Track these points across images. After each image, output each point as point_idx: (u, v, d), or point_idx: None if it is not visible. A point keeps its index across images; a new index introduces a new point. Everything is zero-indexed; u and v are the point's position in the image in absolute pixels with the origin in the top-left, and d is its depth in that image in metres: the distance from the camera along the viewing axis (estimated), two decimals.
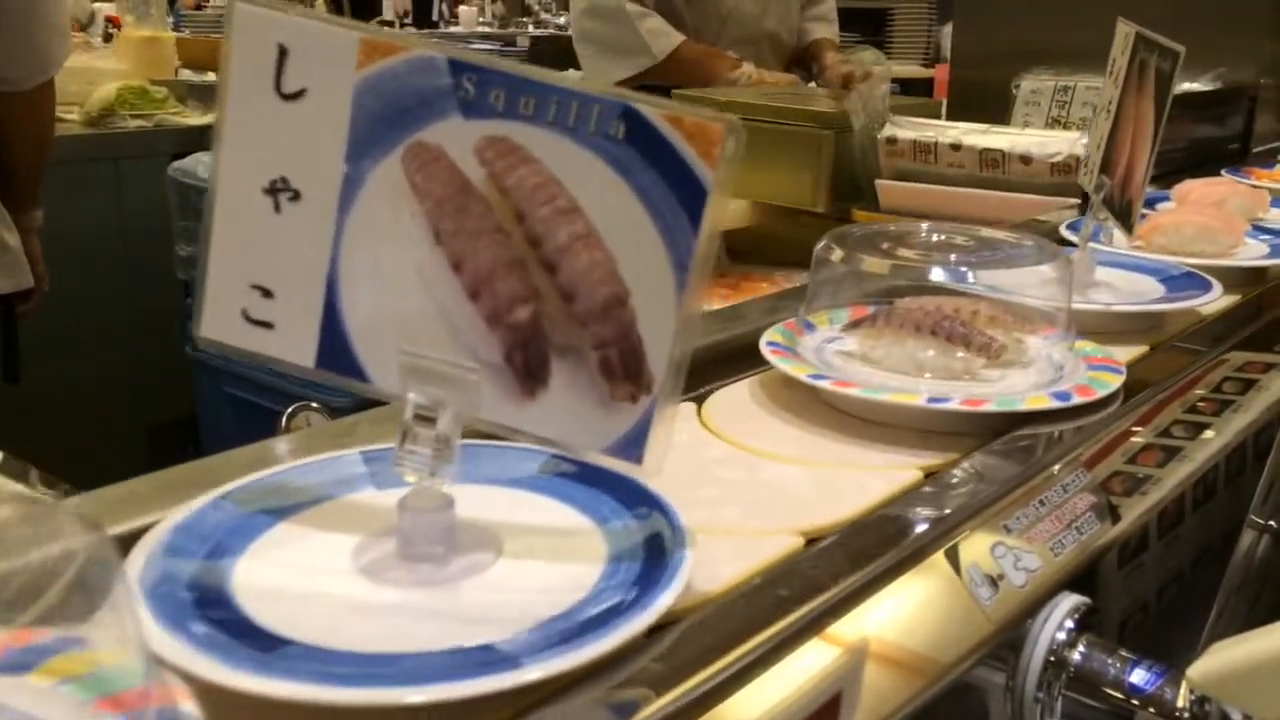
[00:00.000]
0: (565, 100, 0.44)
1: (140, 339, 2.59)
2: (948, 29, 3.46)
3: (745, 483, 0.62)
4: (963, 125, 1.57)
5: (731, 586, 0.49)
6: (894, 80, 2.27)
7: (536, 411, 0.47)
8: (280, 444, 0.61)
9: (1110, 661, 0.56)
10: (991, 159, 1.47)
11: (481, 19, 7.24)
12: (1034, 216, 1.31)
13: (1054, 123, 2.01)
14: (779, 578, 0.50)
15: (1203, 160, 1.66)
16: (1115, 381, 0.74)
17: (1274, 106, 2.09)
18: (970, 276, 0.77)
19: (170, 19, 3.75)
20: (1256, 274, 1.10)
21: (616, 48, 2.17)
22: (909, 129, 1.55)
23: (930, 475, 0.63)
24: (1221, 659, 0.46)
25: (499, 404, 0.47)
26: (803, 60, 2.40)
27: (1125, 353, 0.84)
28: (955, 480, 0.62)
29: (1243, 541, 0.79)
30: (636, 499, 0.52)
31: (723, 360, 0.81)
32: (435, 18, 7.36)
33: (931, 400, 0.69)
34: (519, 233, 0.46)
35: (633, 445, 0.47)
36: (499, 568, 0.48)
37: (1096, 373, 0.76)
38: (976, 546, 0.56)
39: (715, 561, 0.50)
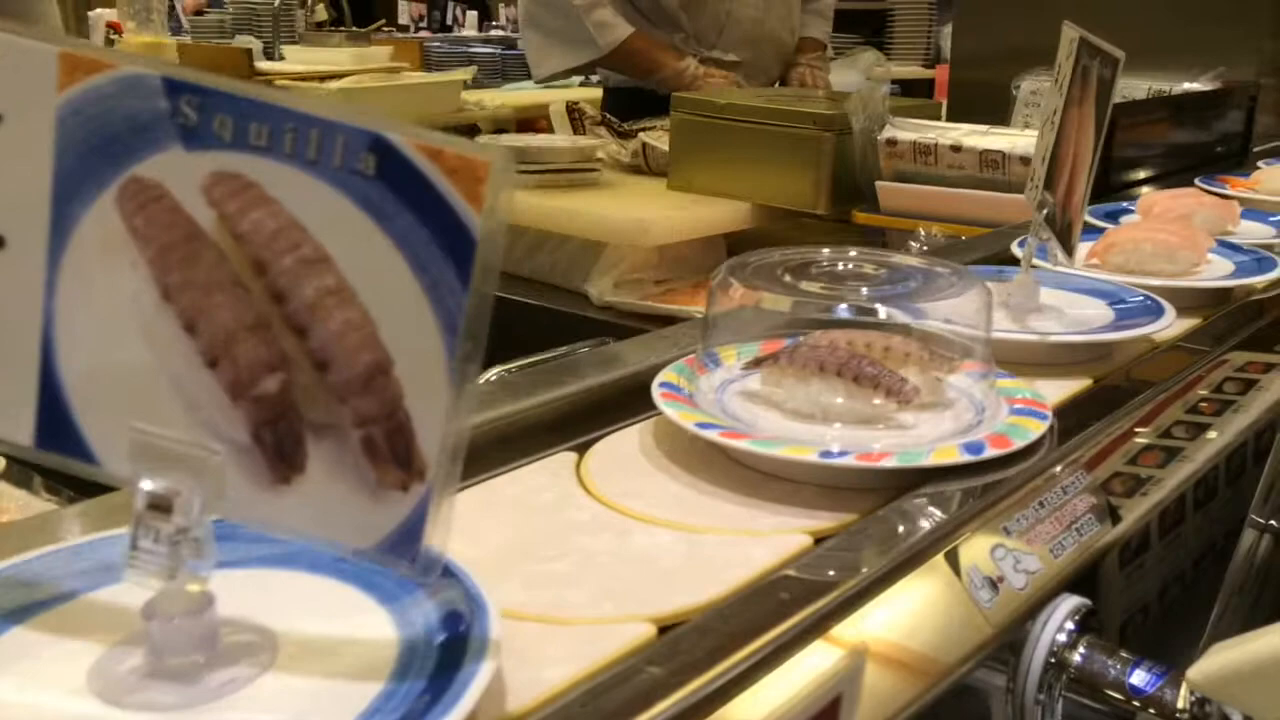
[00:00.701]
0: (303, 128, 0.38)
1: None
2: (948, 30, 3.46)
3: (607, 554, 0.55)
4: (963, 126, 1.57)
5: (555, 692, 0.42)
6: (894, 81, 2.27)
7: (292, 501, 0.40)
8: None
9: (1111, 663, 0.56)
10: (992, 160, 1.47)
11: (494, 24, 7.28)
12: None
13: None
14: (780, 581, 0.50)
15: (1202, 160, 1.66)
16: (1037, 429, 0.66)
17: (1274, 105, 2.09)
18: (881, 310, 0.68)
19: (171, 25, 3.76)
20: (1219, 295, 1.01)
21: (561, 37, 2.17)
22: (909, 130, 1.55)
23: (820, 540, 0.56)
24: (1222, 660, 0.46)
25: (247, 492, 0.40)
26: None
27: (1065, 388, 0.77)
28: (842, 547, 0.55)
29: (1243, 542, 0.79)
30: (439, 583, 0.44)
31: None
32: (449, 22, 7.41)
33: (825, 455, 0.60)
34: (260, 287, 0.39)
35: (405, 541, 0.39)
36: (268, 681, 0.41)
37: (1019, 418, 0.67)
38: (976, 549, 0.57)
39: (541, 662, 0.44)
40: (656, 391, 0.68)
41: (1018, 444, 0.64)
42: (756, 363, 0.71)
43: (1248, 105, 1.84)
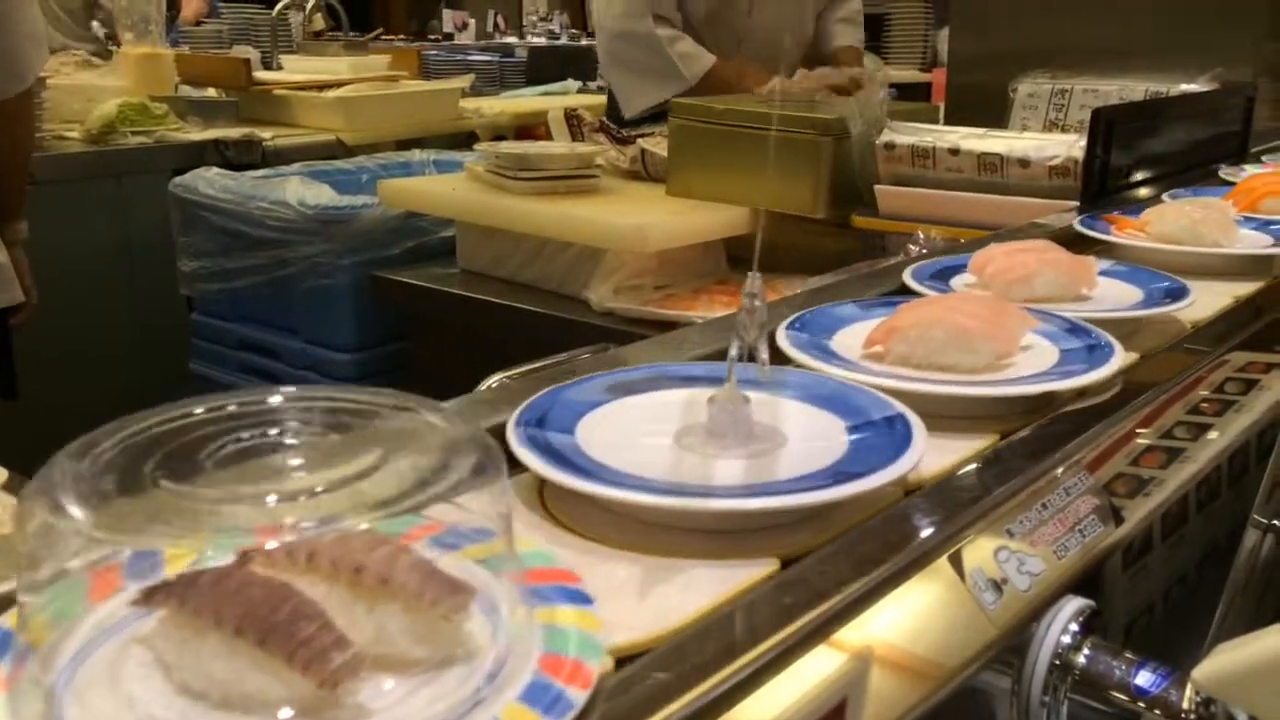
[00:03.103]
0: None
1: (143, 354, 2.60)
2: (944, 33, 3.47)
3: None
4: (961, 130, 1.58)
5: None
6: (891, 85, 2.27)
7: None
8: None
9: (1115, 664, 0.56)
10: (989, 163, 1.48)
11: (541, 24, 7.43)
12: (1033, 220, 1.32)
13: (1052, 126, 2.01)
14: (784, 584, 0.50)
15: (1201, 160, 1.67)
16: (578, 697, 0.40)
17: (1272, 106, 2.09)
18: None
19: (170, 36, 3.76)
20: (1018, 405, 0.71)
21: (648, 72, 2.18)
22: (907, 134, 1.55)
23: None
24: (1227, 660, 0.46)
25: None
26: (825, 65, 2.42)
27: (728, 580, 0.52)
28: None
29: (1246, 542, 0.79)
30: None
31: None
32: (491, 29, 7.58)
33: None
34: None
35: None
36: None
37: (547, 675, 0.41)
38: (980, 551, 0.57)
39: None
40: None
41: None
42: (149, 595, 0.41)
43: (1245, 106, 1.84)
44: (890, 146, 1.54)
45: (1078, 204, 1.39)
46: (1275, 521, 0.80)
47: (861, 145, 1.57)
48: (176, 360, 2.37)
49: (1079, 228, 1.16)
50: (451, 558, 0.45)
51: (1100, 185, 1.41)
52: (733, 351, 0.60)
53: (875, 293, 0.97)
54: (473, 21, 7.53)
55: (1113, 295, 0.93)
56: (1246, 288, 1.04)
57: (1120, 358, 0.75)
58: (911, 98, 3.52)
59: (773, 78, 2.13)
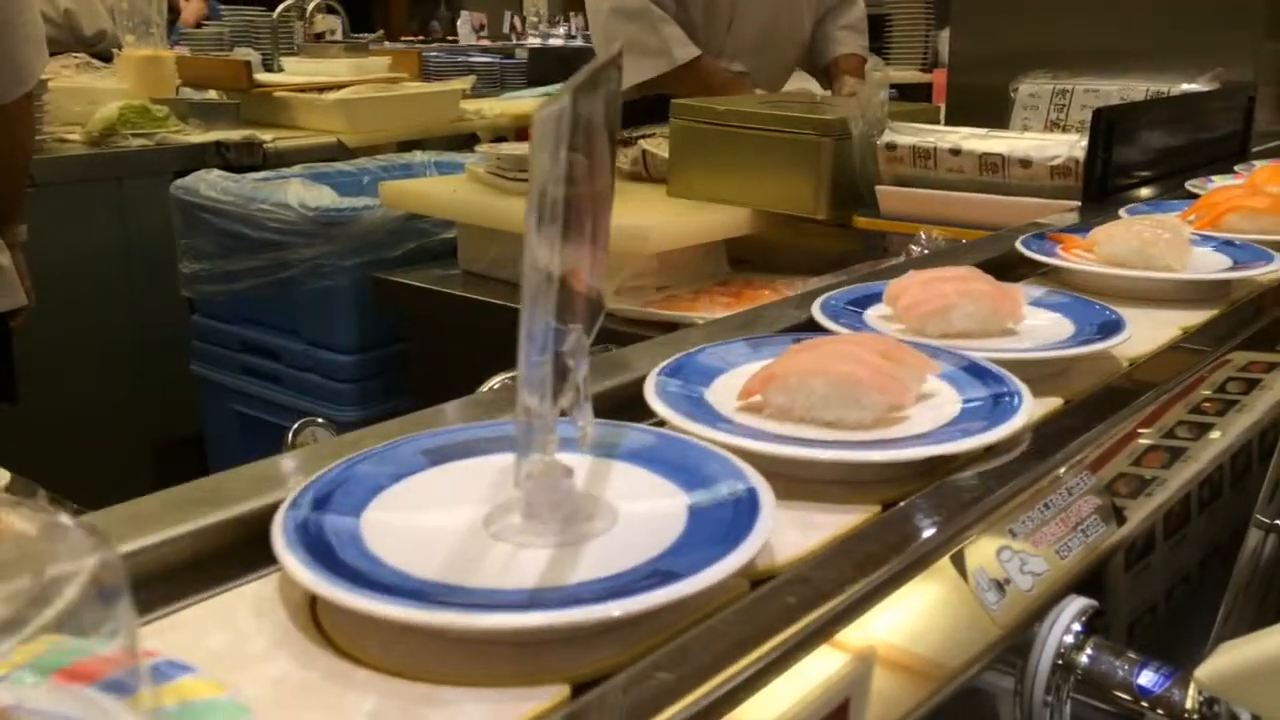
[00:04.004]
0: None
1: (144, 357, 2.60)
2: (945, 34, 3.47)
3: None
4: (962, 130, 1.58)
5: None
6: (892, 85, 2.28)
7: None
8: (287, 460, 0.61)
9: (1118, 664, 0.56)
10: (991, 163, 1.48)
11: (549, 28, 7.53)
12: (1034, 220, 1.32)
13: (1053, 126, 2.01)
14: (785, 585, 0.50)
15: (1202, 160, 1.67)
16: None
17: (1272, 106, 2.09)
18: None
19: (171, 38, 3.77)
20: (903, 469, 0.61)
21: (640, 48, 2.21)
22: (908, 134, 1.55)
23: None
24: (1230, 659, 0.46)
25: None
26: (827, 72, 2.43)
27: None
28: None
29: (1249, 541, 0.79)
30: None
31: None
32: (507, 30, 7.66)
33: None
34: None
35: None
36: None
37: None
38: (982, 551, 0.57)
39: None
40: None
41: None
42: None
43: (1245, 106, 1.84)
44: (891, 147, 1.54)
45: (1079, 204, 1.39)
46: (1278, 521, 0.80)
47: (863, 146, 1.57)
48: (177, 363, 2.37)
49: (1021, 248, 1.06)
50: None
51: (1101, 185, 1.41)
52: (533, 408, 0.47)
53: (779, 326, 0.88)
54: (464, 22, 7.57)
55: (1042, 330, 0.83)
56: (1197, 316, 0.94)
57: (1026, 413, 0.64)
58: (912, 98, 3.52)
59: (758, 92, 2.15)
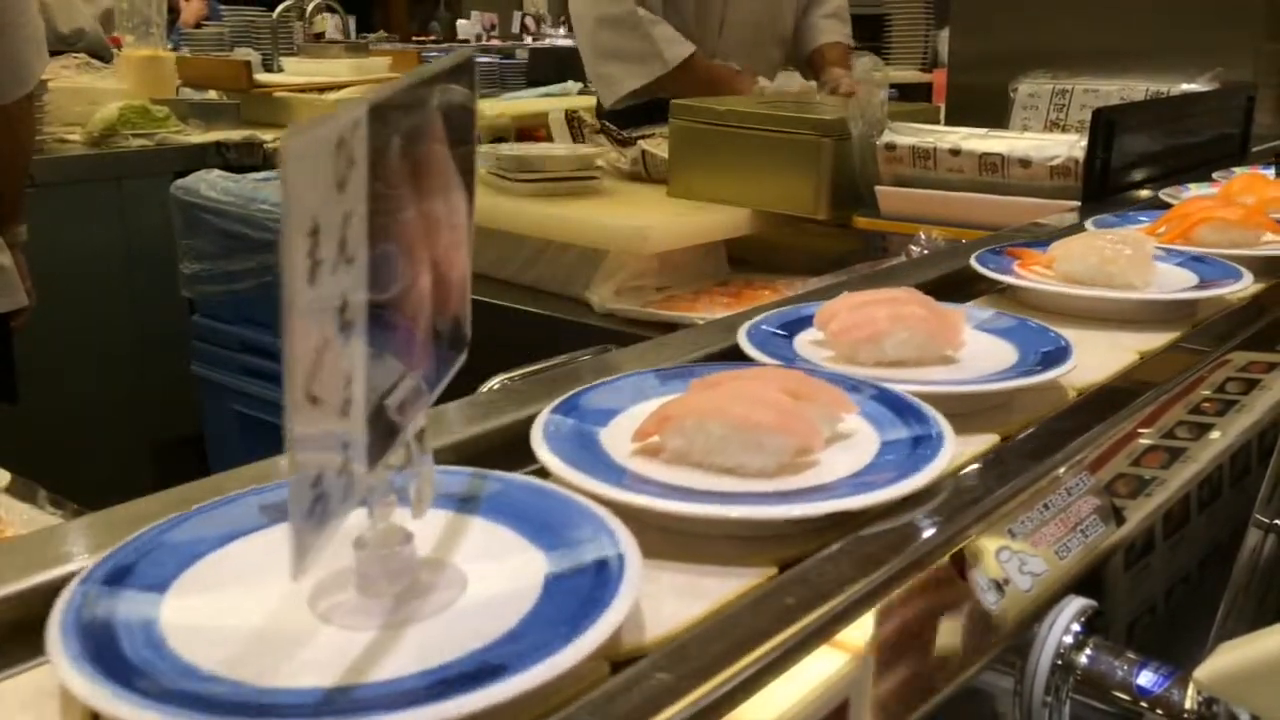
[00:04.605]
0: None
1: (144, 357, 2.60)
2: (945, 34, 3.47)
3: None
4: (961, 130, 1.58)
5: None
6: (892, 85, 2.28)
7: None
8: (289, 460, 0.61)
9: (1117, 664, 0.56)
10: (990, 163, 1.48)
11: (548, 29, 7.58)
12: (1033, 220, 1.32)
13: (1052, 126, 2.01)
14: (785, 585, 0.50)
15: (1202, 161, 1.67)
16: None
17: (1272, 106, 2.09)
18: None
19: (171, 39, 3.77)
20: (805, 524, 0.54)
21: (629, 56, 2.18)
22: (908, 135, 1.55)
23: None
24: (1229, 659, 0.46)
25: None
26: (811, 62, 2.41)
27: None
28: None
29: (1248, 541, 0.79)
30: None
31: None
32: (518, 30, 7.67)
33: None
34: None
35: None
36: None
37: None
38: (982, 551, 0.57)
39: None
40: None
41: None
42: None
43: (1245, 106, 1.84)
44: (891, 147, 1.54)
45: (1079, 204, 1.39)
46: (1277, 521, 0.80)
47: (862, 146, 1.57)
48: (177, 363, 2.37)
49: (975, 264, 0.99)
50: None
51: (1101, 185, 1.41)
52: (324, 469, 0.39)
53: (700, 353, 0.81)
54: (469, 22, 7.59)
55: (983, 358, 0.76)
56: (1158, 339, 0.87)
57: (943, 462, 0.58)
58: (912, 98, 3.53)
59: (760, 79, 2.12)
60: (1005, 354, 0.77)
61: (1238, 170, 1.46)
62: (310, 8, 4.73)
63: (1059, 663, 0.56)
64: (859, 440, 0.62)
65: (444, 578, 0.47)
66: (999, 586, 0.56)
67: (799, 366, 0.73)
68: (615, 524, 0.49)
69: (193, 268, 2.18)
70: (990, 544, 0.57)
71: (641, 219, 1.57)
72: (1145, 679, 0.55)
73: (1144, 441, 0.74)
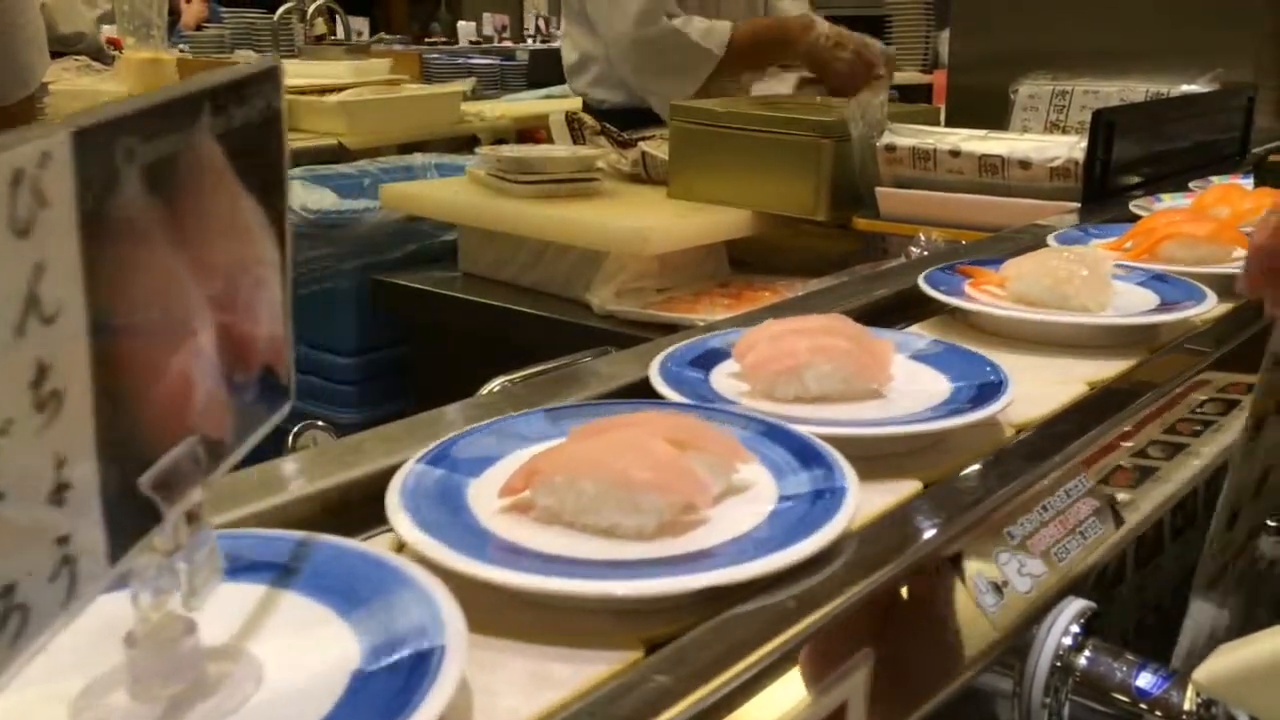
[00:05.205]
0: None
1: None
2: (945, 35, 3.47)
3: None
4: (961, 131, 1.58)
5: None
6: (892, 87, 2.28)
7: None
8: (287, 463, 0.61)
9: (1116, 665, 0.56)
10: (990, 165, 1.48)
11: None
12: (1033, 221, 1.32)
13: (1053, 127, 2.01)
14: (786, 587, 0.50)
15: (1202, 162, 1.67)
16: None
17: (1272, 107, 2.09)
18: None
19: (171, 40, 3.77)
20: (677, 599, 0.48)
21: (678, 66, 2.15)
22: (908, 136, 1.56)
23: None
24: (1228, 661, 0.46)
25: None
26: None
27: None
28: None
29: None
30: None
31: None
32: (533, 30, 7.81)
33: None
34: None
35: None
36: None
37: None
38: (981, 553, 0.57)
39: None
40: None
41: None
42: None
43: (1245, 107, 1.84)
44: (891, 148, 1.55)
45: (1079, 205, 1.39)
46: (1274, 522, 0.80)
47: (862, 147, 1.57)
48: None
49: (923, 284, 0.93)
50: None
51: (1101, 186, 1.41)
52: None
53: (603, 389, 0.74)
54: (471, 24, 7.60)
55: (915, 392, 0.70)
56: (1113, 367, 0.81)
57: (840, 525, 0.51)
58: (912, 99, 3.52)
59: (817, 21, 2.10)
60: (938, 387, 0.71)
61: (1215, 179, 1.45)
62: (311, 10, 4.74)
63: (1058, 664, 0.56)
64: (756, 494, 0.55)
65: (238, 671, 0.41)
66: (998, 588, 0.56)
67: (709, 405, 0.66)
68: (448, 606, 0.42)
69: None
70: (989, 546, 0.57)
71: (642, 220, 1.57)
72: (1144, 680, 0.55)
73: (1145, 441, 0.74)
